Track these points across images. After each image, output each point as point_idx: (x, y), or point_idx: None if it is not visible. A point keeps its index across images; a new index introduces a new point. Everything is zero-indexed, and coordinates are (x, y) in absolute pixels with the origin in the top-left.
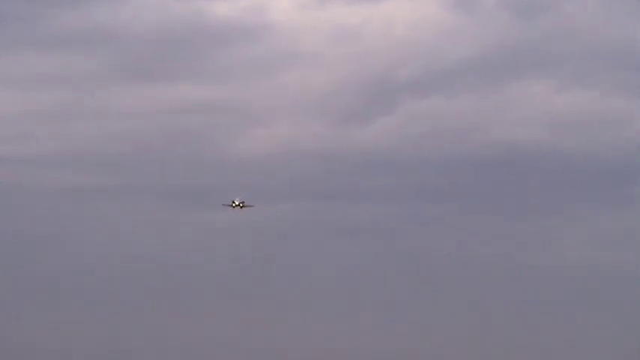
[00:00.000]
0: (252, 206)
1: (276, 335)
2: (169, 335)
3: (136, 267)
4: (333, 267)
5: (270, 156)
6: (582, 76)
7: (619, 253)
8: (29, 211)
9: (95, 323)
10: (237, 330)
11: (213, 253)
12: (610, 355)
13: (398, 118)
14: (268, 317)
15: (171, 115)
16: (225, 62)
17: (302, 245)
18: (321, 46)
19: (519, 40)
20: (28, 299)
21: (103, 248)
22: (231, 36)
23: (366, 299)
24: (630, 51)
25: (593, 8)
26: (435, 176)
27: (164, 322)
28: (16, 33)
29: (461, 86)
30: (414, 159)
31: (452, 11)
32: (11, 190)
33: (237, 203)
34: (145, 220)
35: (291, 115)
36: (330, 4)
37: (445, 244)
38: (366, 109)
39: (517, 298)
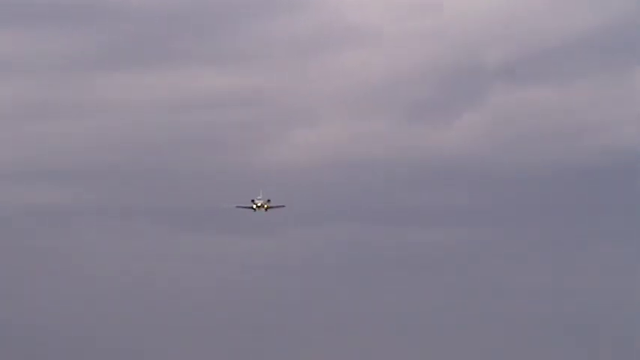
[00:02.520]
0: (283, 206)
1: None
2: None
3: (125, 308)
4: (395, 309)
5: (314, 165)
6: None
7: None
8: None
9: None
10: None
11: (231, 294)
12: None
13: (486, 114)
14: None
15: (179, 110)
16: (256, 41)
17: (352, 280)
18: (384, 21)
19: None
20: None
21: (83, 283)
22: (264, 7)
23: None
24: None
25: None
26: (536, 190)
27: None
28: None
29: (570, 72)
30: (506, 168)
31: None
32: None
33: (259, 204)
34: (142, 250)
35: (343, 110)
36: None
37: (544, 280)
38: (443, 102)
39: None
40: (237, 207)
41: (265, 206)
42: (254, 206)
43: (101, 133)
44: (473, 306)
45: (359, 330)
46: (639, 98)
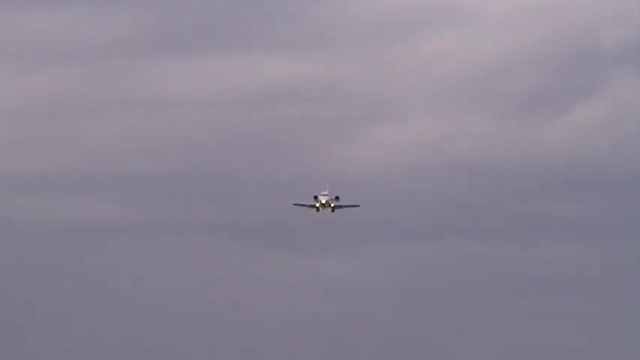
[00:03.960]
0: (357, 206)
1: None
2: None
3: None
4: (501, 338)
5: (400, 168)
6: None
7: None
8: (16, 260)
9: None
10: None
11: (311, 320)
12: None
13: (603, 107)
14: None
15: (241, 105)
16: (331, 24)
17: (447, 308)
18: None
19: None
20: None
21: (125, 310)
22: None
23: None
24: None
25: None
26: None
27: None
28: None
29: None
30: (629, 169)
31: None
32: None
33: (323, 202)
34: (193, 271)
35: (435, 103)
36: None
37: None
38: (552, 92)
39: None
40: (295, 205)
41: (332, 205)
42: (316, 205)
43: (146, 134)
44: (597, 334)
45: None
46: None
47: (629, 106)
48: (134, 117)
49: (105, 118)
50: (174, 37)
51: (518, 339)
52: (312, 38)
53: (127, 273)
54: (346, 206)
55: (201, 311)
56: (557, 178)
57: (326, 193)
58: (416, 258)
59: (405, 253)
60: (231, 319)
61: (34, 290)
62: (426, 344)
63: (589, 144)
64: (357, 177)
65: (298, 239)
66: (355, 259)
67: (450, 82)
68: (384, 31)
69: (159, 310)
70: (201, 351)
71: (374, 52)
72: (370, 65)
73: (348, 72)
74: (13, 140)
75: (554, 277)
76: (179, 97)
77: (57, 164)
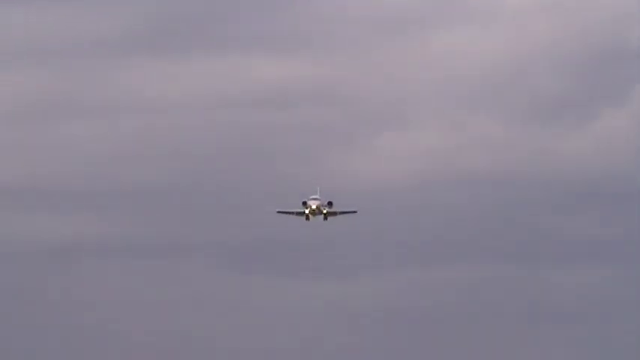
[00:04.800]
0: (354, 212)
1: None
2: None
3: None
4: None
5: (404, 181)
6: None
7: None
8: None
9: None
10: None
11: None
12: None
13: (632, 113)
14: None
15: (230, 110)
16: (329, 19)
17: (466, 337)
18: None
19: None
20: None
21: (107, 346)
22: None
23: None
24: None
25: None
26: None
27: None
28: None
29: None
30: None
31: None
32: None
33: (313, 207)
34: (194, 294)
35: (442, 108)
36: None
37: None
38: (575, 97)
39: None
40: (279, 212)
41: (324, 211)
42: (305, 211)
43: (128, 140)
44: None
45: None
46: None
47: None
48: (109, 121)
49: (92, 122)
50: (166, 39)
51: None
52: (304, 38)
53: (108, 295)
54: (341, 212)
55: (188, 334)
56: (581, 191)
57: (317, 197)
58: (422, 281)
59: (410, 275)
60: (219, 343)
61: (10, 311)
62: None
63: (615, 153)
64: (355, 188)
65: (287, 257)
66: (352, 282)
67: (459, 84)
68: (385, 29)
69: (143, 334)
70: None
71: (373, 52)
72: (369, 66)
73: (348, 72)
74: None
75: (580, 303)
76: (163, 99)
77: (34, 174)
